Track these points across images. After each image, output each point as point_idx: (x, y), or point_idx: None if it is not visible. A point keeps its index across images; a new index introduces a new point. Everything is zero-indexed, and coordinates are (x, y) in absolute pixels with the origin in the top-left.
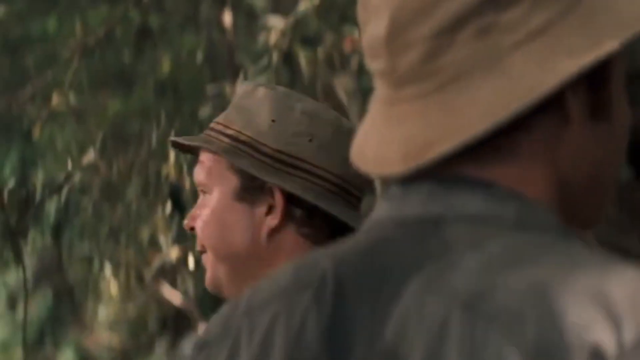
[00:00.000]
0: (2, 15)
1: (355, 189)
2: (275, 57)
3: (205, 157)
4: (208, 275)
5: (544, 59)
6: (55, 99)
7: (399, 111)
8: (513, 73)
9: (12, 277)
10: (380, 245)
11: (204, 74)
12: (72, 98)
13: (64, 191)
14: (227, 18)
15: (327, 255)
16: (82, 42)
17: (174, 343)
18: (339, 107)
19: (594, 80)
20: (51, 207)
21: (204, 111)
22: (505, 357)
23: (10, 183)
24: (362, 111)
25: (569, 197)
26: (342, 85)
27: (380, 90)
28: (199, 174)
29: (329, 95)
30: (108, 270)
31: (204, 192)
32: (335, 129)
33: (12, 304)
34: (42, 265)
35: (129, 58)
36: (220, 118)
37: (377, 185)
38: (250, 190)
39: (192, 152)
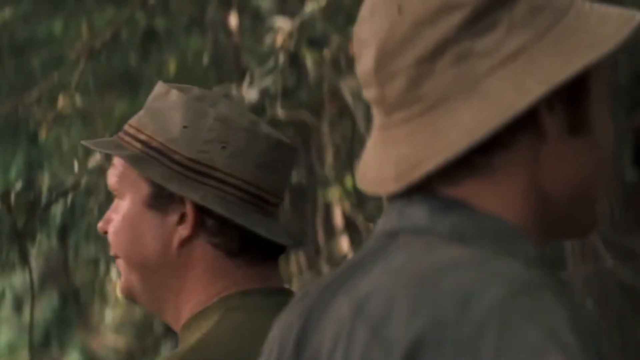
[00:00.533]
0: (8, 17)
1: (271, 195)
2: (281, 58)
3: (118, 161)
4: (121, 282)
5: (517, 81)
6: (62, 101)
7: (392, 135)
8: (489, 95)
9: (19, 279)
10: (355, 258)
11: (210, 76)
12: (78, 100)
13: (70, 193)
14: (233, 20)
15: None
16: (88, 44)
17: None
18: (345, 109)
19: (571, 97)
20: (57, 210)
21: None
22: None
23: (17, 185)
24: (368, 113)
25: (554, 208)
26: (349, 87)
27: (376, 116)
28: (111, 178)
29: (335, 97)
30: (114, 272)
31: (117, 197)
32: (250, 136)
33: (18, 306)
34: (48, 268)
35: (135, 60)
36: (133, 120)
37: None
38: (161, 198)
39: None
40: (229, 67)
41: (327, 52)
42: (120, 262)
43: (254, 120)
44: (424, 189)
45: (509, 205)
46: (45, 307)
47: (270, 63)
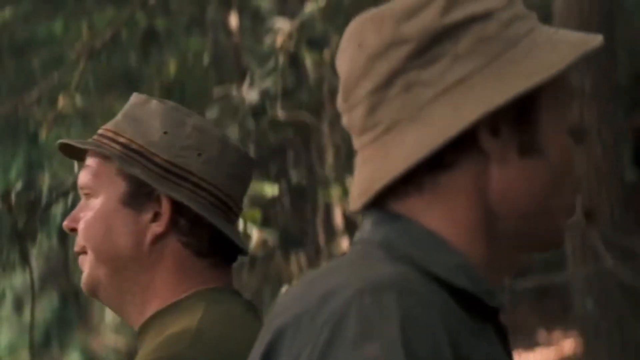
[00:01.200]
0: (8, 17)
1: (234, 204)
2: (281, 59)
3: (92, 161)
4: (86, 276)
5: (454, 107)
6: (62, 101)
7: (361, 156)
8: (430, 121)
9: (19, 279)
10: None
11: (210, 77)
12: (78, 100)
13: (70, 193)
14: (233, 20)
15: None
16: (88, 45)
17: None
18: None
19: (519, 120)
20: (58, 210)
21: (211, 114)
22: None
23: (18, 185)
24: None
25: (505, 224)
26: None
27: (353, 140)
28: (85, 177)
29: (335, 98)
30: None
31: (88, 196)
32: (223, 146)
33: (18, 306)
34: (48, 268)
35: (135, 60)
36: (109, 126)
37: None
38: (137, 196)
39: (76, 158)
40: (229, 67)
41: (327, 53)
42: (85, 258)
43: (224, 133)
44: (380, 204)
45: (454, 221)
46: (46, 307)
47: (270, 64)
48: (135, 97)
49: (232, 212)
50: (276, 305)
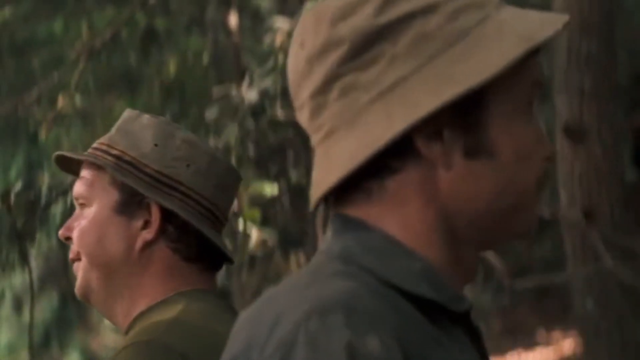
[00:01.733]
0: (8, 17)
1: (221, 214)
2: (281, 59)
3: (87, 172)
4: (80, 282)
5: (387, 114)
6: (61, 101)
7: (315, 156)
8: (366, 127)
9: (18, 279)
10: None
11: (209, 76)
12: (78, 100)
13: (70, 193)
14: (233, 20)
15: None
16: (88, 45)
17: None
18: None
19: (463, 121)
20: (57, 209)
21: (210, 113)
22: None
23: (17, 185)
24: None
25: (464, 223)
26: None
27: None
28: (80, 187)
29: None
30: None
31: (83, 205)
32: (211, 158)
33: (18, 306)
34: (48, 268)
35: (135, 60)
36: (103, 139)
37: None
38: (129, 204)
39: (71, 172)
40: (229, 67)
41: None
42: (79, 264)
43: (212, 147)
44: (336, 210)
45: (408, 226)
46: (45, 307)
47: (270, 63)
48: (127, 112)
49: (218, 221)
50: (234, 327)
